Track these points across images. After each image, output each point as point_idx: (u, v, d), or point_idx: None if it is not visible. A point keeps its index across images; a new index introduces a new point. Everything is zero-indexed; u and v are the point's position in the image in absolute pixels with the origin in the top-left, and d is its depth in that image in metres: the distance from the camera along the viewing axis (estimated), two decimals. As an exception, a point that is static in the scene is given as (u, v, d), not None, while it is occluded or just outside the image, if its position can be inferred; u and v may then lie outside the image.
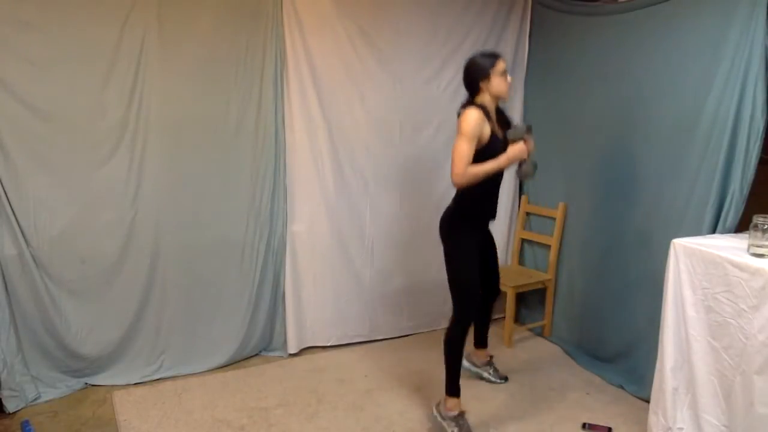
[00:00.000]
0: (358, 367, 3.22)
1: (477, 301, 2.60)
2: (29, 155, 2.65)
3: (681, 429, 2.27)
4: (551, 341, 3.56)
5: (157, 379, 3.02)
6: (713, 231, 2.49)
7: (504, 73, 2.43)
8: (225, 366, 3.18)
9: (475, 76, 2.43)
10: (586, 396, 2.95)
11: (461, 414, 2.56)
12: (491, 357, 3.09)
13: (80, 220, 2.79)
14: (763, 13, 2.30)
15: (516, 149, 2.39)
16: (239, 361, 3.24)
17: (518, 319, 3.78)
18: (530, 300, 3.79)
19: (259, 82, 3.04)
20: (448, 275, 2.56)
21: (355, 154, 3.36)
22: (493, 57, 2.44)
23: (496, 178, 2.51)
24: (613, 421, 2.68)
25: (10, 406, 2.68)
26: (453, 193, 3.60)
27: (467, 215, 2.57)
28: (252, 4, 2.97)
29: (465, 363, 2.94)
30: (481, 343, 3.06)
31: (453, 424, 2.53)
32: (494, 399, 2.90)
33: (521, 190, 3.87)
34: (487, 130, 2.38)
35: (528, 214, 3.78)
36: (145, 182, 2.89)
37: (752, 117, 2.36)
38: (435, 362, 3.18)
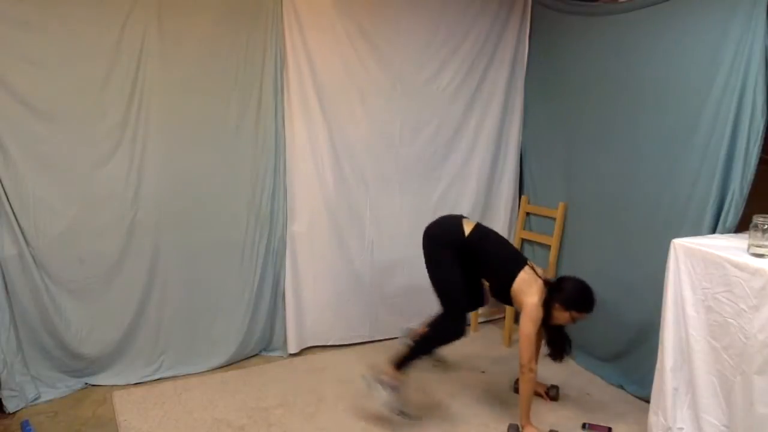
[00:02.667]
0: (358, 367, 3.21)
1: (464, 305, 2.66)
2: (29, 155, 2.65)
3: (681, 429, 2.27)
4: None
5: (157, 379, 3.02)
6: (713, 231, 2.49)
7: (573, 320, 2.58)
8: (225, 366, 3.18)
9: (571, 299, 2.55)
10: (586, 396, 2.95)
11: (402, 386, 2.56)
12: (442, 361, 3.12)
13: (80, 220, 2.79)
14: (763, 13, 2.30)
15: None
16: (239, 361, 3.24)
17: (518, 319, 3.77)
18: (530, 300, 3.78)
19: (259, 82, 3.04)
20: (438, 286, 2.66)
21: (355, 154, 3.36)
22: (589, 309, 2.59)
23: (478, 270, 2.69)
24: (613, 421, 2.68)
25: (10, 406, 2.68)
26: (452, 193, 3.65)
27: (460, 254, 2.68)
28: (252, 4, 2.97)
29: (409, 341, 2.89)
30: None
31: (390, 392, 2.53)
32: (494, 399, 2.90)
33: (521, 190, 3.87)
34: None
35: (528, 214, 3.78)
36: (145, 182, 2.89)
37: (752, 117, 2.36)
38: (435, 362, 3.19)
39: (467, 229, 2.68)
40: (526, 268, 2.61)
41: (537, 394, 2.82)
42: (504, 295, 2.67)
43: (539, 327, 2.54)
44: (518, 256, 2.73)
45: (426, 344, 2.63)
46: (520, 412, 2.53)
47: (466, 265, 2.65)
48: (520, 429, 2.53)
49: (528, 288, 2.54)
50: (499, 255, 2.70)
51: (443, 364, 3.03)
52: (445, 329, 2.62)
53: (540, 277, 2.61)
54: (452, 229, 2.71)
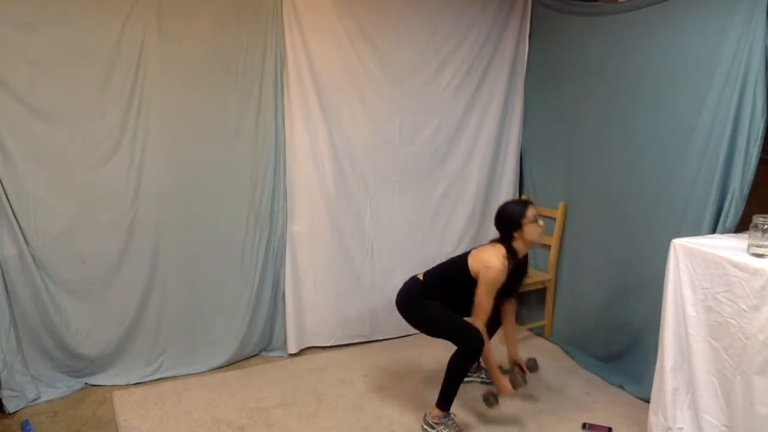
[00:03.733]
0: (358, 367, 3.22)
1: (471, 326, 2.58)
2: (29, 155, 2.65)
3: (681, 429, 2.27)
4: (551, 341, 3.56)
5: (157, 379, 3.02)
6: (713, 231, 2.49)
7: (535, 220, 2.54)
8: (225, 366, 3.18)
9: (508, 226, 2.57)
10: (586, 396, 2.95)
11: (447, 415, 2.57)
12: (479, 362, 3.06)
13: (80, 220, 2.79)
14: (763, 13, 2.30)
15: (505, 385, 2.64)
16: (239, 361, 3.24)
17: (518, 319, 3.78)
18: (530, 300, 3.78)
19: (259, 82, 3.04)
20: (432, 328, 2.66)
21: (355, 154, 3.36)
22: (523, 205, 2.58)
23: (469, 297, 2.59)
24: (613, 421, 2.68)
25: (10, 406, 2.68)
26: (452, 193, 3.65)
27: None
28: (252, 4, 2.97)
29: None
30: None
31: (441, 426, 2.54)
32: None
33: (521, 190, 3.87)
34: (502, 278, 2.52)
35: (528, 214, 3.78)
36: (145, 182, 2.89)
37: (752, 117, 2.36)
38: (435, 362, 3.19)
39: (421, 276, 2.73)
40: (471, 252, 2.63)
41: (517, 366, 2.88)
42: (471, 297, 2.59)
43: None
44: (460, 256, 2.71)
45: (453, 374, 2.55)
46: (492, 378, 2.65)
47: (454, 303, 2.64)
48: (495, 391, 2.61)
49: (485, 254, 2.53)
50: (449, 265, 2.73)
51: (497, 401, 3.07)
52: (461, 354, 2.54)
53: (491, 242, 2.63)
54: (411, 285, 2.72)
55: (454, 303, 2.63)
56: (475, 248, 2.69)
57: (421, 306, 2.66)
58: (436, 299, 2.63)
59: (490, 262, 2.50)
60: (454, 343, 2.56)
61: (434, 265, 2.79)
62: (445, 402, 2.56)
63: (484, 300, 2.50)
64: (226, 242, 3.12)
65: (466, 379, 3.00)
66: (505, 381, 2.66)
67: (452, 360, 2.55)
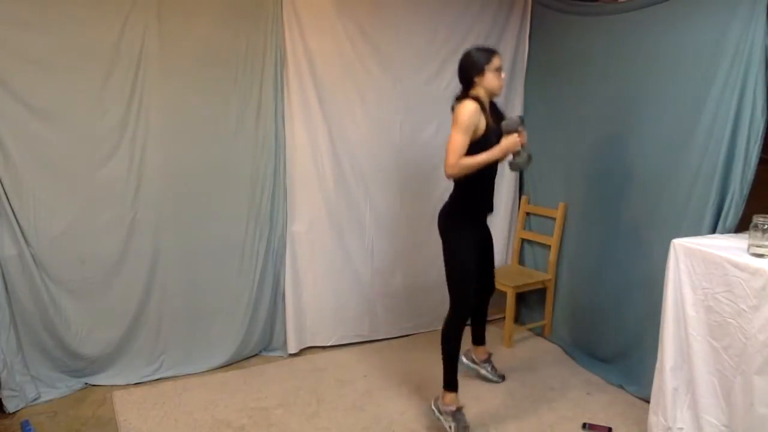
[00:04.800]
0: (358, 367, 3.22)
1: (473, 294, 2.61)
2: (29, 155, 2.65)
3: (681, 429, 2.27)
4: (551, 341, 3.56)
5: (157, 379, 3.02)
6: (713, 231, 2.49)
7: (498, 70, 2.47)
8: (225, 366, 3.18)
9: (469, 70, 2.48)
10: (586, 396, 2.95)
11: (459, 409, 2.57)
12: (490, 354, 3.10)
13: (80, 220, 2.79)
14: (763, 13, 2.30)
15: (509, 140, 2.43)
16: (239, 361, 3.24)
17: (518, 319, 3.79)
18: (530, 300, 3.79)
19: (259, 82, 3.04)
20: (447, 268, 2.58)
21: (355, 154, 3.36)
22: (489, 52, 2.48)
23: (490, 171, 2.53)
24: (613, 421, 2.68)
25: (10, 406, 2.68)
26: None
27: (464, 210, 2.59)
28: (252, 4, 2.97)
29: (464, 360, 2.99)
30: (479, 340, 3.07)
31: (450, 418, 2.54)
32: (494, 399, 2.90)
33: (521, 190, 3.87)
34: (482, 123, 2.42)
35: (528, 214, 3.78)
36: (144, 182, 2.89)
37: (752, 117, 2.36)
38: (435, 362, 3.17)
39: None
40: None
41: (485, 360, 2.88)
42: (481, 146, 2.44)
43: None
44: None
45: (445, 342, 2.57)
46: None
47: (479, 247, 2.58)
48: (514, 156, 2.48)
49: (455, 113, 2.40)
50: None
51: (500, 377, 3.08)
52: (449, 316, 2.57)
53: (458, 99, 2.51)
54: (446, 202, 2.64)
55: (474, 188, 2.54)
56: None
57: (452, 236, 2.55)
58: (458, 203, 2.56)
59: (461, 107, 2.38)
60: (449, 295, 2.57)
61: None
62: (449, 382, 2.56)
63: (456, 138, 2.32)
64: (226, 242, 3.12)
65: (473, 365, 3.02)
66: (508, 138, 2.40)
67: (443, 331, 2.56)
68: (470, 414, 2.68)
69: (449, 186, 3.63)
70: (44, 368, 2.83)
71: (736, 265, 2.04)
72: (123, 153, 2.84)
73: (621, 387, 2.99)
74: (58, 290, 2.80)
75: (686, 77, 2.65)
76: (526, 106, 3.76)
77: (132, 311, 2.97)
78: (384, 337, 3.56)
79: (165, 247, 2.98)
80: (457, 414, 2.55)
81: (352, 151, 3.34)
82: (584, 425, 2.65)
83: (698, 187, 2.59)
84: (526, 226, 3.79)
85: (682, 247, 2.26)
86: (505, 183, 3.80)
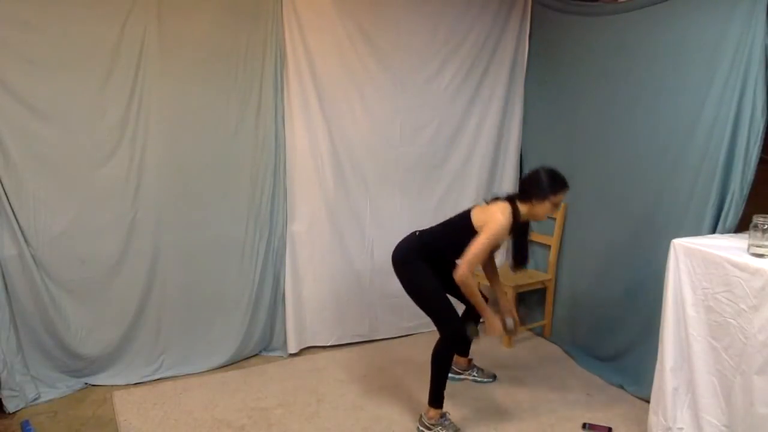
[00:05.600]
0: (358, 367, 3.22)
1: (455, 313, 2.60)
2: (29, 155, 2.65)
3: (681, 429, 2.27)
4: (551, 341, 3.56)
5: (157, 379, 3.02)
6: (713, 231, 2.49)
7: (557, 205, 2.53)
8: (225, 366, 3.18)
9: (534, 188, 2.50)
10: (586, 396, 2.95)
11: (443, 415, 2.58)
12: (470, 360, 3.09)
13: (80, 220, 2.79)
14: (763, 13, 2.30)
15: (495, 326, 2.57)
16: (239, 361, 3.24)
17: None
18: (530, 300, 3.79)
19: (259, 82, 3.04)
20: (419, 299, 2.60)
21: (355, 154, 3.36)
22: (562, 186, 2.53)
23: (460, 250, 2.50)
24: (613, 421, 2.68)
25: (10, 406, 2.68)
26: (452, 193, 3.65)
27: (428, 257, 2.61)
28: (252, 4, 2.97)
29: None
30: (462, 353, 3.06)
31: (438, 426, 2.55)
32: (494, 399, 2.90)
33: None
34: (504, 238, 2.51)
35: (528, 214, 3.77)
36: (145, 182, 2.89)
37: (752, 117, 2.36)
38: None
39: (418, 232, 2.68)
40: (476, 207, 2.57)
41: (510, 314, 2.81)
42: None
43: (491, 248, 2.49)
44: (462, 213, 2.63)
45: (438, 364, 2.56)
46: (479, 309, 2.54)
47: (440, 273, 2.60)
48: (483, 322, 2.57)
49: (490, 212, 2.46)
50: (448, 222, 2.65)
51: (491, 377, 3.08)
52: (445, 341, 2.56)
53: (497, 199, 2.56)
54: (405, 241, 2.67)
55: (447, 254, 2.56)
56: (476, 205, 2.61)
57: (413, 267, 2.58)
58: (430, 251, 2.58)
59: (495, 215, 2.43)
60: (436, 326, 2.56)
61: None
62: (435, 399, 2.56)
63: (481, 246, 2.39)
64: (226, 242, 3.12)
65: (458, 377, 3.02)
66: (496, 321, 2.55)
67: (434, 352, 2.55)
68: (470, 414, 2.68)
69: (449, 186, 3.67)
70: (44, 368, 2.83)
71: (736, 265, 2.04)
72: (123, 153, 2.84)
73: (621, 387, 2.99)
74: (58, 290, 2.80)
75: (686, 77, 2.65)
76: (526, 106, 3.76)
77: (132, 311, 2.97)
78: (384, 337, 3.56)
79: (165, 247, 2.98)
80: (444, 420, 2.56)
81: (352, 151, 3.34)
82: (584, 425, 2.65)
83: (698, 187, 2.59)
84: (526, 226, 3.79)
85: (682, 247, 2.26)
86: (505, 183, 3.81)
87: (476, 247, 2.40)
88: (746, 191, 2.40)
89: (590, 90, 3.23)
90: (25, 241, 2.69)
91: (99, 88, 2.74)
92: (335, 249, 3.39)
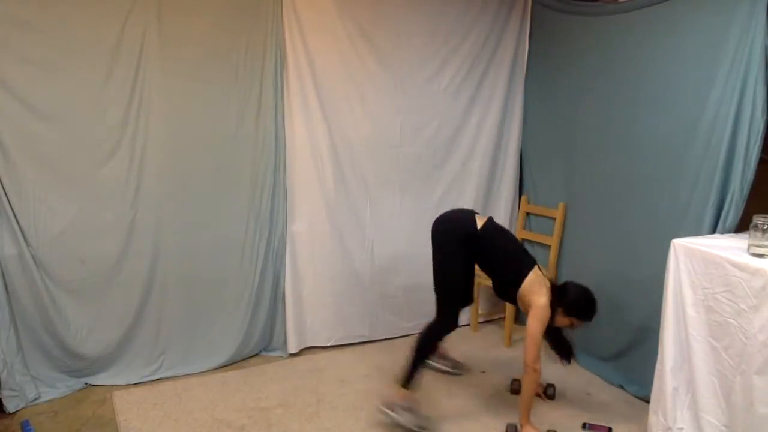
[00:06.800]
0: (359, 367, 3.22)
1: (459, 305, 2.67)
2: (29, 155, 2.65)
3: (681, 429, 2.27)
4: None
5: (157, 379, 3.02)
6: (713, 231, 2.49)
7: (572, 325, 2.62)
8: (225, 366, 3.18)
9: (573, 306, 2.57)
10: (586, 396, 2.95)
11: (415, 403, 2.58)
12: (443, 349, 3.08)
13: (80, 220, 2.79)
14: (763, 13, 2.30)
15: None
16: (239, 361, 3.24)
17: (518, 319, 3.77)
18: (530, 300, 3.78)
19: (259, 82, 3.04)
20: (443, 277, 2.64)
21: (355, 154, 3.36)
22: (590, 317, 2.62)
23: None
24: (613, 421, 2.68)
25: (10, 406, 2.68)
26: (452, 193, 3.65)
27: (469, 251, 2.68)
28: (252, 4, 2.97)
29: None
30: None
31: (407, 413, 2.55)
32: (494, 399, 2.90)
33: (521, 190, 3.87)
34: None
35: (528, 214, 3.78)
36: (145, 182, 2.89)
37: (752, 117, 2.36)
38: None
39: (479, 222, 2.67)
40: (535, 268, 2.61)
41: (535, 394, 2.82)
42: (508, 294, 2.65)
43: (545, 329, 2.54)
44: (527, 256, 2.71)
45: (422, 346, 2.62)
46: (520, 411, 2.53)
47: (470, 261, 2.66)
48: (519, 428, 2.53)
49: (538, 289, 2.54)
50: (510, 253, 2.69)
51: (459, 369, 3.06)
52: (437, 325, 2.63)
53: (550, 280, 2.62)
54: (464, 222, 2.69)
55: (487, 269, 2.71)
56: (537, 267, 2.64)
57: (452, 251, 2.63)
58: (475, 252, 2.65)
59: (541, 299, 2.51)
60: (439, 307, 2.63)
61: (497, 224, 2.73)
62: (409, 380, 2.58)
63: (537, 336, 2.47)
64: (226, 242, 3.12)
65: (431, 363, 3.02)
66: (532, 430, 2.52)
67: (424, 333, 2.61)
68: (470, 413, 2.68)
69: (449, 186, 3.67)
70: (44, 368, 2.84)
71: (736, 265, 2.04)
72: (123, 153, 2.84)
73: (621, 387, 2.99)
74: (58, 290, 2.80)
75: (686, 77, 2.65)
76: (526, 106, 3.76)
77: (132, 311, 2.97)
78: (384, 337, 3.56)
79: (165, 246, 2.98)
80: (414, 407, 2.56)
81: (352, 151, 3.34)
82: (584, 425, 2.65)
83: (698, 187, 2.58)
84: (526, 226, 3.79)
85: (682, 247, 2.26)
86: (505, 183, 3.81)
87: (534, 340, 2.47)
88: (746, 191, 2.40)
89: (590, 90, 3.23)
90: (25, 241, 2.69)
91: (99, 88, 2.74)
92: (335, 249, 3.39)
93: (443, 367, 3.10)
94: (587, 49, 3.23)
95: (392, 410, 2.56)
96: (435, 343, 2.66)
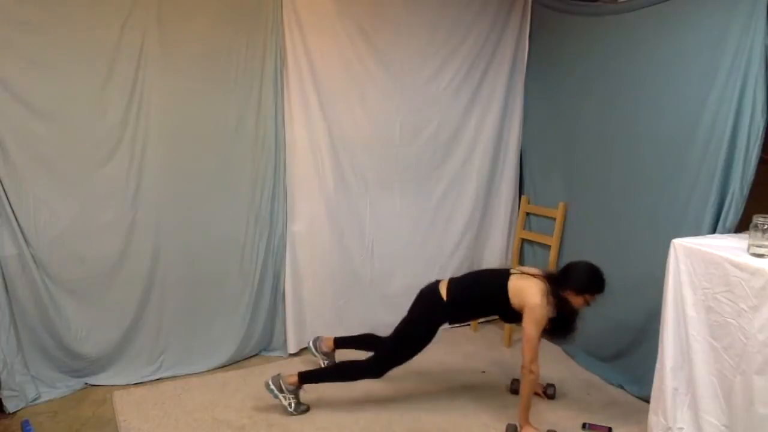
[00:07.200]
0: (358, 367, 3.22)
1: (402, 359, 2.72)
2: (29, 155, 2.65)
3: (681, 429, 2.27)
4: (551, 341, 3.55)
5: (157, 379, 3.02)
6: (713, 231, 2.49)
7: (589, 303, 2.58)
8: (225, 366, 3.18)
9: (576, 281, 2.55)
10: (586, 396, 2.95)
11: (300, 386, 2.68)
12: (334, 351, 3.03)
13: (80, 220, 2.79)
14: (763, 13, 2.30)
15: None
16: (239, 361, 3.24)
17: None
18: (530, 300, 3.78)
19: (259, 82, 3.04)
20: (405, 331, 2.68)
21: (355, 154, 3.36)
22: (602, 287, 2.58)
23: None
24: (613, 421, 2.68)
25: (10, 406, 2.68)
26: (452, 193, 3.65)
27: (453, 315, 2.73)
28: (252, 4, 2.97)
29: (311, 345, 3.02)
30: (343, 344, 3.00)
31: (291, 396, 2.66)
32: (494, 399, 2.90)
33: (521, 190, 3.87)
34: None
35: (528, 214, 3.78)
36: (145, 182, 2.89)
37: (752, 117, 2.36)
38: (435, 362, 3.19)
39: (443, 292, 2.65)
40: (512, 276, 2.59)
41: (535, 393, 2.82)
42: (512, 314, 2.62)
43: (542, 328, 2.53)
44: (497, 274, 2.68)
45: (341, 373, 2.77)
46: (519, 412, 2.53)
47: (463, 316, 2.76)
48: (519, 429, 2.53)
49: (526, 290, 2.53)
50: (482, 289, 2.68)
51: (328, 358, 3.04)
52: (366, 369, 2.72)
53: (535, 275, 2.59)
54: (434, 300, 2.65)
55: (476, 312, 2.83)
56: (513, 273, 2.63)
57: (425, 320, 2.67)
58: (459, 312, 2.70)
59: (531, 299, 2.49)
60: (384, 351, 2.71)
61: (457, 279, 2.72)
62: (310, 379, 2.69)
63: (533, 340, 2.47)
64: (226, 242, 3.12)
65: (316, 353, 3.01)
66: (532, 430, 2.52)
67: (354, 364, 2.73)
68: (470, 413, 2.68)
69: (449, 186, 3.67)
70: (44, 368, 2.83)
71: (736, 265, 2.04)
72: (123, 153, 2.84)
73: (621, 387, 2.99)
74: (58, 290, 2.80)
75: (686, 77, 2.65)
76: (526, 106, 3.76)
77: (132, 311, 2.97)
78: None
79: (165, 247, 2.98)
80: (298, 394, 2.68)
81: (352, 151, 3.34)
82: (584, 425, 2.65)
83: (698, 187, 2.59)
84: (526, 226, 3.79)
85: (682, 247, 2.26)
86: (505, 183, 3.81)
87: (530, 343, 2.47)
88: (746, 191, 2.40)
89: (590, 90, 3.23)
90: (25, 241, 2.69)
91: (99, 88, 2.74)
92: (335, 249, 3.39)
93: (322, 363, 3.05)
94: (587, 48, 3.23)
95: (281, 390, 2.66)
96: (354, 378, 2.76)
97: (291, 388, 2.67)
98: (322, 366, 2.97)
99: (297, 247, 3.28)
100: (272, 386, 2.67)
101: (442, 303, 2.62)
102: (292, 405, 2.67)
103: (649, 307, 2.76)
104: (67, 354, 2.86)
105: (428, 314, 2.67)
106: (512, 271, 2.65)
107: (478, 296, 2.67)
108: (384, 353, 2.71)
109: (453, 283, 2.68)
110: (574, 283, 2.54)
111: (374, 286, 3.52)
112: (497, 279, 2.63)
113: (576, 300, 2.55)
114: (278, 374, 2.72)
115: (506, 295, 2.56)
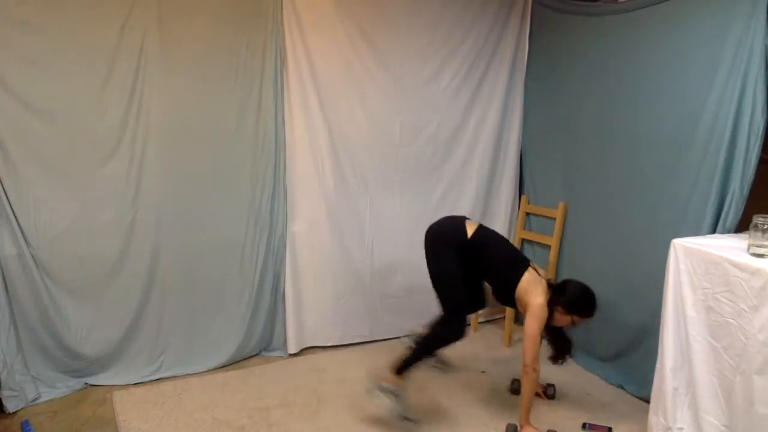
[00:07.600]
0: (359, 367, 3.21)
1: (466, 311, 2.69)
2: (29, 155, 2.65)
3: (681, 429, 2.27)
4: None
5: (157, 379, 3.02)
6: (713, 231, 2.49)
7: (574, 323, 2.62)
8: (225, 366, 3.18)
9: (572, 303, 2.56)
10: (586, 396, 2.95)
11: (403, 391, 2.59)
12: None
13: (80, 220, 2.79)
14: (763, 13, 2.30)
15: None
16: (239, 361, 3.24)
17: (518, 320, 3.77)
18: (530, 300, 3.78)
19: (259, 82, 3.04)
20: (443, 285, 2.64)
21: (355, 154, 3.36)
22: (591, 314, 2.62)
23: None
24: (613, 421, 2.68)
25: (10, 406, 2.68)
26: (452, 193, 3.65)
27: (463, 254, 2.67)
28: (252, 4, 2.97)
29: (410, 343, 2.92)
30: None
31: (393, 398, 2.56)
32: (494, 398, 2.90)
33: (521, 190, 3.87)
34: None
35: (528, 214, 3.78)
36: (145, 182, 2.89)
37: (752, 117, 2.36)
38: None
39: (470, 230, 2.66)
40: (530, 269, 2.61)
41: (535, 394, 2.82)
42: (507, 297, 2.66)
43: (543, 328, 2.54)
44: (521, 257, 2.73)
45: (426, 346, 2.64)
46: (520, 412, 2.53)
47: (467, 267, 2.65)
48: (519, 429, 2.53)
49: (534, 288, 2.54)
50: (502, 256, 2.70)
51: (445, 366, 3.04)
52: (445, 331, 2.62)
53: (543, 278, 2.61)
54: (455, 230, 2.69)
55: (481, 274, 2.72)
56: (532, 266, 2.64)
57: (446, 259, 2.64)
58: (469, 257, 2.63)
59: (536, 298, 2.52)
60: (442, 310, 2.62)
61: (488, 230, 2.72)
62: (402, 369, 2.59)
63: (536, 334, 2.47)
64: (226, 242, 3.12)
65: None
66: (532, 430, 2.52)
67: (428, 336, 2.62)
68: (470, 413, 2.68)
69: (449, 186, 3.67)
70: (44, 368, 2.83)
71: (736, 265, 2.04)
72: (123, 153, 2.84)
73: (621, 387, 2.99)
74: (58, 290, 2.80)
75: (686, 77, 2.65)
76: (526, 106, 3.76)
77: (132, 311, 2.97)
78: (384, 337, 3.56)
79: (165, 247, 2.98)
80: (401, 395, 2.57)
81: (352, 151, 3.35)
82: (584, 425, 2.65)
83: (698, 187, 2.59)
84: (526, 226, 3.79)
85: (682, 247, 2.26)
86: (505, 183, 3.81)
87: (532, 341, 2.47)
88: (746, 191, 2.40)
89: (590, 90, 3.23)
90: (25, 241, 2.69)
91: (99, 88, 2.74)
92: (335, 249, 3.39)
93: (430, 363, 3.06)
94: (587, 48, 3.23)
95: (378, 389, 2.57)
96: (439, 348, 2.66)
97: (390, 388, 2.56)
98: (435, 365, 2.97)
99: (297, 247, 3.28)
100: (374, 386, 2.58)
101: (464, 238, 2.63)
102: (395, 406, 2.56)
103: (649, 307, 2.76)
104: (67, 354, 2.86)
105: (447, 248, 2.65)
106: (531, 263, 2.66)
107: (496, 255, 2.67)
108: (444, 311, 2.64)
109: (482, 229, 2.69)
110: (567, 301, 2.56)
111: (374, 286, 3.52)
112: (518, 259, 2.69)
113: (563, 318, 2.58)
114: (374, 375, 2.62)
115: (517, 280, 2.57)
